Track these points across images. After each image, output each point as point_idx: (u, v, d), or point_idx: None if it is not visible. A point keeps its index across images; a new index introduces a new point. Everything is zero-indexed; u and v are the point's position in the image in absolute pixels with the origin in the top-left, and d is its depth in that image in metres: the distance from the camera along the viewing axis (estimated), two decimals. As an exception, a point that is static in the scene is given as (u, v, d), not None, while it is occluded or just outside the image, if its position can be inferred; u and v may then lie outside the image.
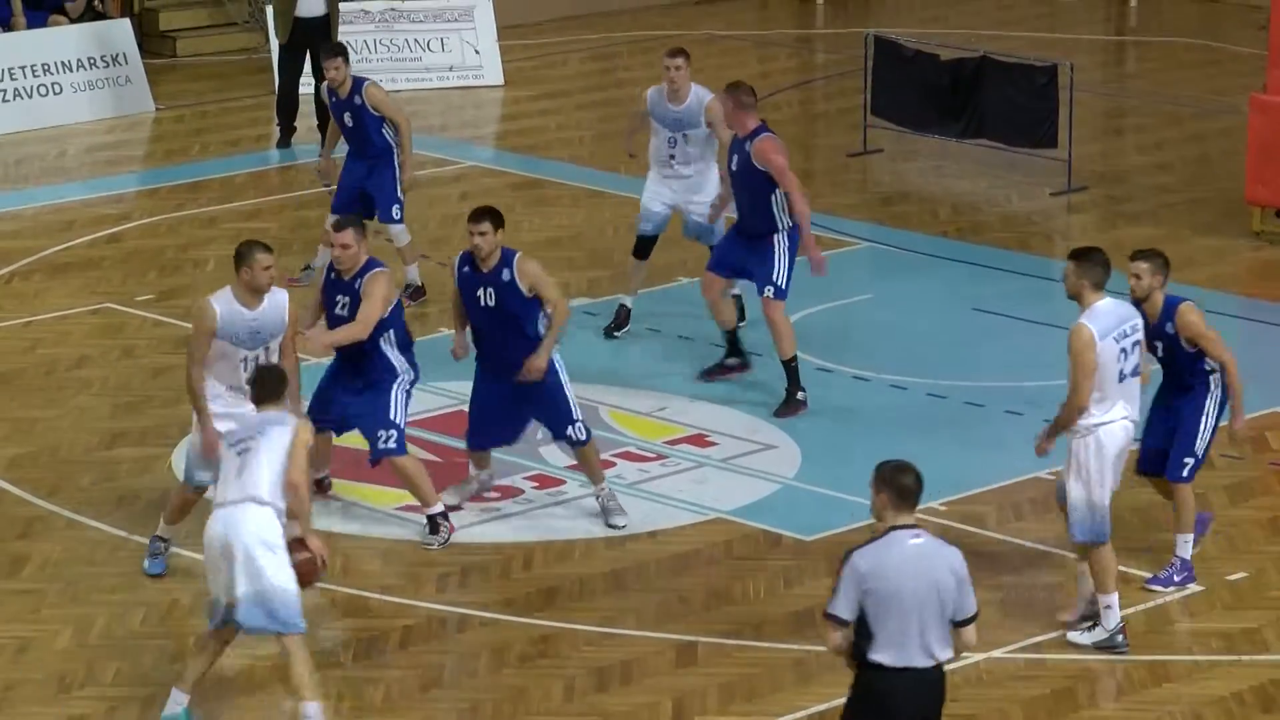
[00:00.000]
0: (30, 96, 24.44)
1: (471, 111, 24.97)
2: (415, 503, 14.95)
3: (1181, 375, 13.98)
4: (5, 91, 24.30)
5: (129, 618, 13.79)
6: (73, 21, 25.43)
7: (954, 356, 17.66)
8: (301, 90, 23.40)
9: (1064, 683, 13.01)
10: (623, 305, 18.20)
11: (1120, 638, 13.23)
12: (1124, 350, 13.27)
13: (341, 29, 24.00)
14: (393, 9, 26.24)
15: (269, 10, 24.41)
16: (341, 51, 18.83)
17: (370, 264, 14.51)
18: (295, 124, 23.46)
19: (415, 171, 18.88)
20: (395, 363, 14.64)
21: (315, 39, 23.24)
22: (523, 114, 25.18)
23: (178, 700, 12.44)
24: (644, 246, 18.14)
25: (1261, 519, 15.18)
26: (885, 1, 29.52)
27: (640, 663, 13.29)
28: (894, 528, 10.31)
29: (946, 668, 10.35)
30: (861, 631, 10.23)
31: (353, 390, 14.68)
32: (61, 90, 24.61)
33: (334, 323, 14.59)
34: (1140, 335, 13.44)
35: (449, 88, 25.60)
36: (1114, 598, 13.28)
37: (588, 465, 15.08)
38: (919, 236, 20.04)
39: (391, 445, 14.59)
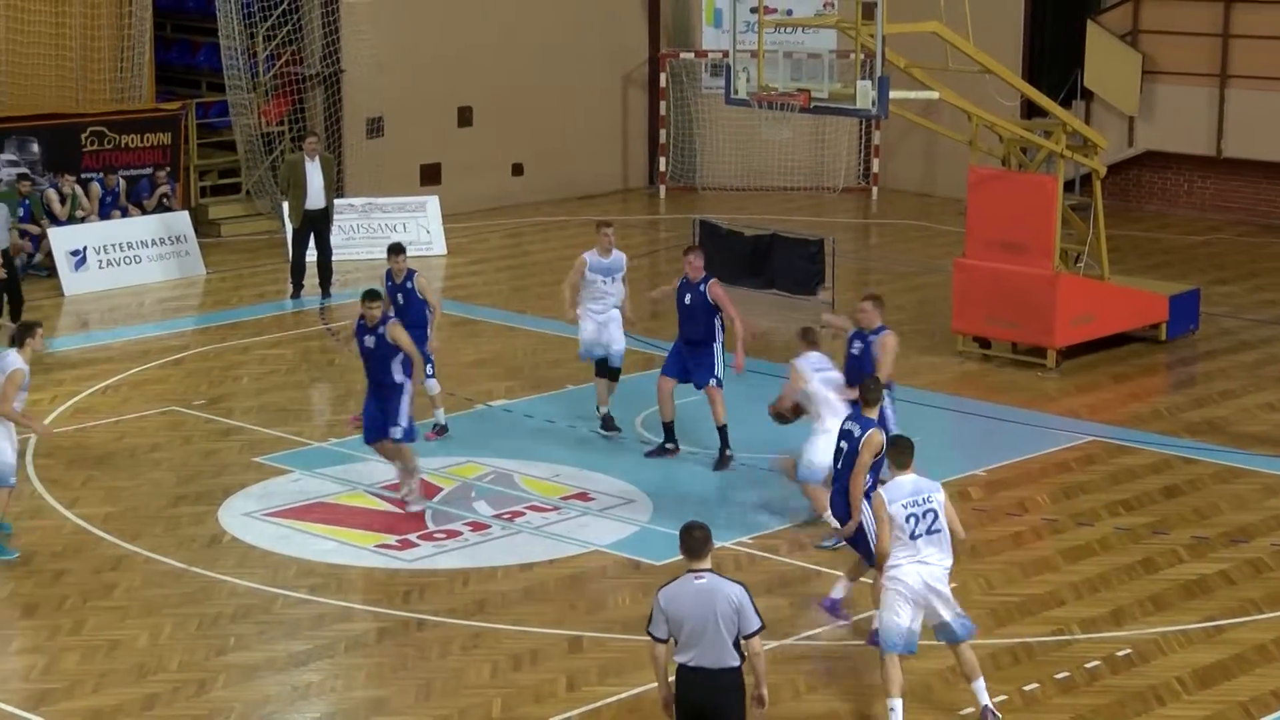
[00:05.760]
0: (119, 265, 24.25)
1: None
2: (390, 541, 14.89)
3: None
4: (102, 261, 24.11)
5: (188, 625, 13.63)
6: (149, 214, 25.29)
7: (754, 437, 17.65)
8: (307, 259, 23.34)
9: (833, 662, 13.00)
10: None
11: None
12: None
13: (335, 216, 23.94)
14: (370, 203, 26.21)
15: (285, 205, 24.35)
16: (404, 249, 18.02)
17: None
18: (303, 283, 23.38)
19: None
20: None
21: (319, 223, 23.23)
22: (459, 274, 25.17)
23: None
24: None
25: (966, 547, 15.21)
26: (707, 196, 29.67)
27: (544, 651, 13.22)
28: (688, 571, 10.21)
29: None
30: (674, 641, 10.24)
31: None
32: (141, 260, 24.43)
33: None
34: None
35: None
36: None
37: (401, 460, 15.82)
38: (732, 356, 20.00)
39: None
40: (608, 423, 17.69)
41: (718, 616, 10.07)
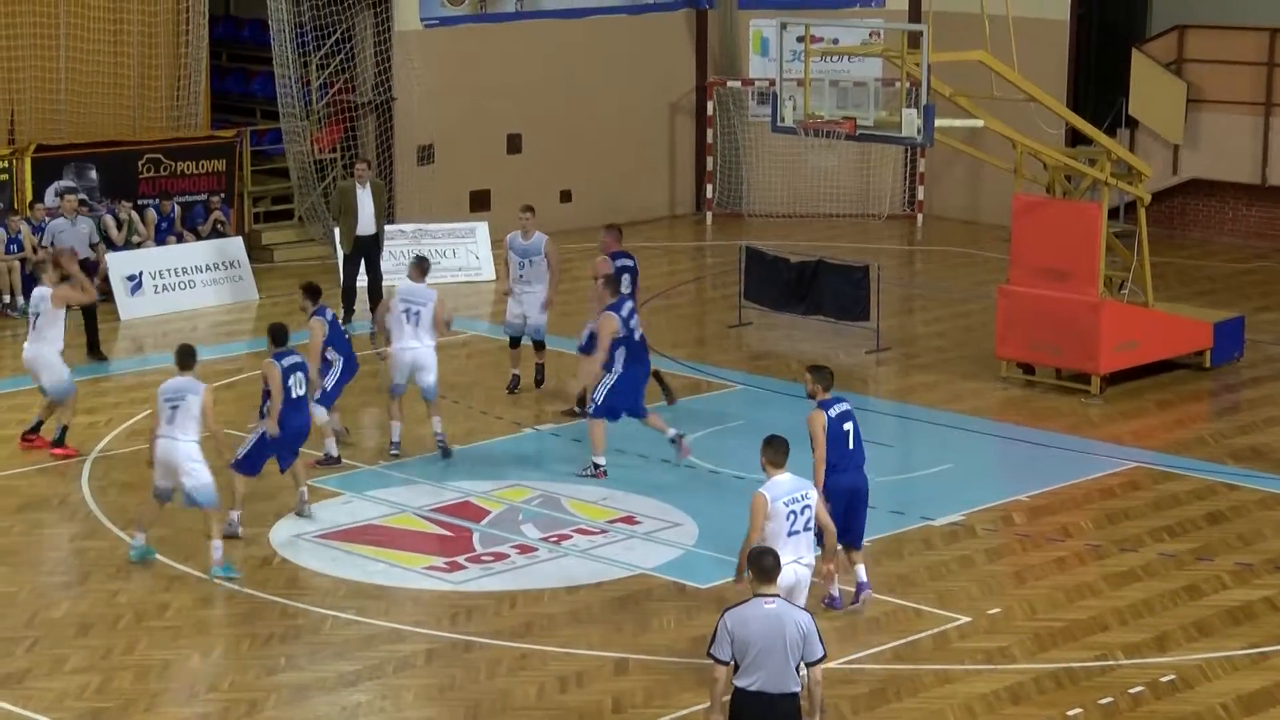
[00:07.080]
0: (174, 290, 24.38)
1: (473, 297, 24.96)
2: (438, 564, 14.89)
3: None
4: (158, 286, 24.25)
5: (239, 645, 13.68)
6: (203, 239, 25.43)
7: (800, 462, 17.57)
8: (358, 284, 23.40)
9: (878, 685, 12.97)
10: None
11: None
12: None
13: (386, 242, 24.03)
14: (420, 229, 26.29)
15: (336, 230, 24.45)
16: (316, 294, 18.02)
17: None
18: (354, 308, 23.45)
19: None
20: None
21: (370, 249, 23.31)
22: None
23: (139, 541, 15.10)
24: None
25: (1009, 572, 15.21)
26: (753, 222, 29.66)
27: (590, 673, 13.21)
28: (756, 595, 10.19)
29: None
30: (734, 665, 10.19)
31: None
32: (195, 285, 24.56)
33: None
34: None
35: (459, 281, 25.63)
36: None
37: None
38: (777, 381, 20.04)
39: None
40: (515, 381, 19.88)
41: (786, 642, 10.05)
